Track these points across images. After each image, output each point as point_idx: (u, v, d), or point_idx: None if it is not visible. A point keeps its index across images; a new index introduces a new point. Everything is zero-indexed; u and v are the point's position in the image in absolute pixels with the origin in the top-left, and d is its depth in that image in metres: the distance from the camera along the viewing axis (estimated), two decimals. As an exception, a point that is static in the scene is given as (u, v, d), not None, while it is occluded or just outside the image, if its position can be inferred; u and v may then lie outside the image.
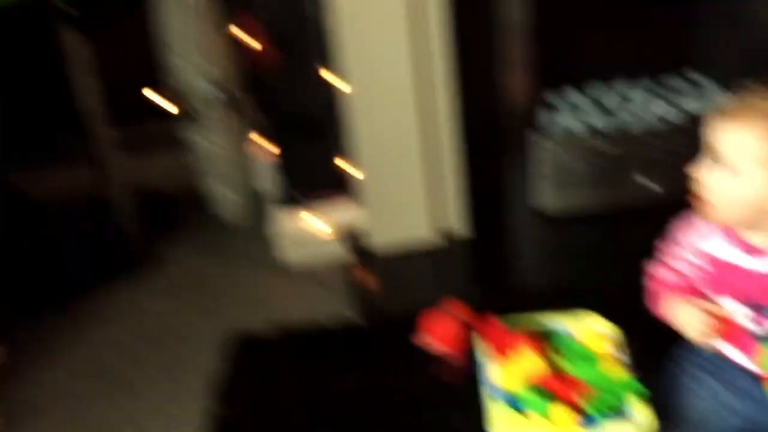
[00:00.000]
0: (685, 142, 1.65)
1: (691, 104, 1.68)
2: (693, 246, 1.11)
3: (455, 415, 1.25)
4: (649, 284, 1.22)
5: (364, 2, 1.50)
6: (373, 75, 1.56)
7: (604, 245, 1.68)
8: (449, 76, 1.59)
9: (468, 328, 1.39)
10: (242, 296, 1.71)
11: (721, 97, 1.67)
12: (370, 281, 1.65)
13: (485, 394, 1.08)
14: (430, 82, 1.59)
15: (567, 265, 1.62)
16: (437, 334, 1.39)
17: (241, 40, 1.70)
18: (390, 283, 1.62)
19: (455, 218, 1.72)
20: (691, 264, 1.13)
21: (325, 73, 1.65)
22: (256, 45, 1.65)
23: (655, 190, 1.67)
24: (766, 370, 0.98)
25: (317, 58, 1.64)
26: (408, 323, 1.46)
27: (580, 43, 1.73)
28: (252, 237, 1.90)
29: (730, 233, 1.05)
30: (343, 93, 1.63)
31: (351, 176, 1.77)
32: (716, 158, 1.00)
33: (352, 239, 1.75)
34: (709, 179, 1.01)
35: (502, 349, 1.12)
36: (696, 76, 1.72)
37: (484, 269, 1.65)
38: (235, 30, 1.70)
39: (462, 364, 1.33)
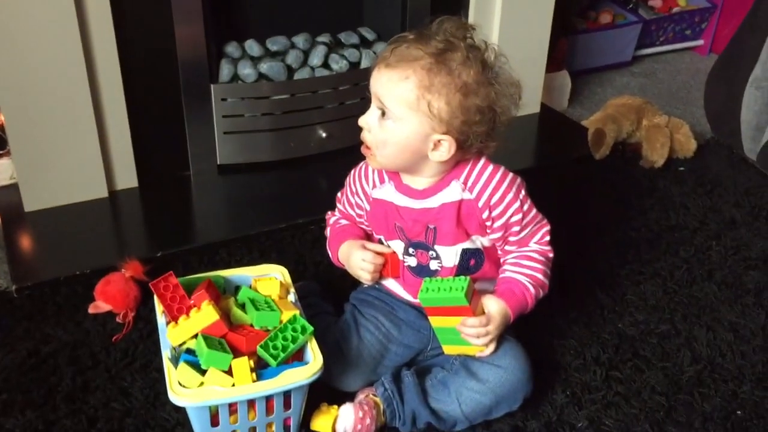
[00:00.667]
0: (354, 93, 1.76)
1: (362, 59, 1.76)
2: (364, 192, 1.18)
3: (130, 379, 1.19)
4: (326, 230, 1.27)
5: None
6: (21, 13, 1.37)
7: (282, 193, 1.70)
8: (109, 21, 1.46)
9: (146, 288, 1.33)
10: None
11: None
12: (26, 243, 1.48)
13: (165, 356, 1.03)
14: (91, 27, 1.45)
15: (247, 215, 1.61)
16: (111, 297, 1.31)
17: None
18: (51, 246, 1.47)
19: (128, 175, 1.61)
20: (363, 209, 1.19)
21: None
22: None
23: (323, 136, 1.73)
24: (422, 301, 1.06)
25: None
26: (73, 286, 1.36)
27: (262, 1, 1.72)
28: None
29: (396, 180, 1.13)
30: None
31: (2, 128, 1.56)
32: (377, 105, 1.06)
33: (4, 197, 1.55)
34: (372, 125, 1.06)
35: (180, 309, 1.08)
36: (368, 33, 1.80)
37: (161, 226, 1.57)
38: None
39: (130, 325, 1.28)
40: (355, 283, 1.24)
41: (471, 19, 1.85)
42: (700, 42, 2.72)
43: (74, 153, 1.51)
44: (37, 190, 1.52)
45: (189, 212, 1.64)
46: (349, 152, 1.77)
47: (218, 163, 1.70)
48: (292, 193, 1.69)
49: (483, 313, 1.07)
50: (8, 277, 1.40)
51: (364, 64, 1.76)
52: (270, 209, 1.62)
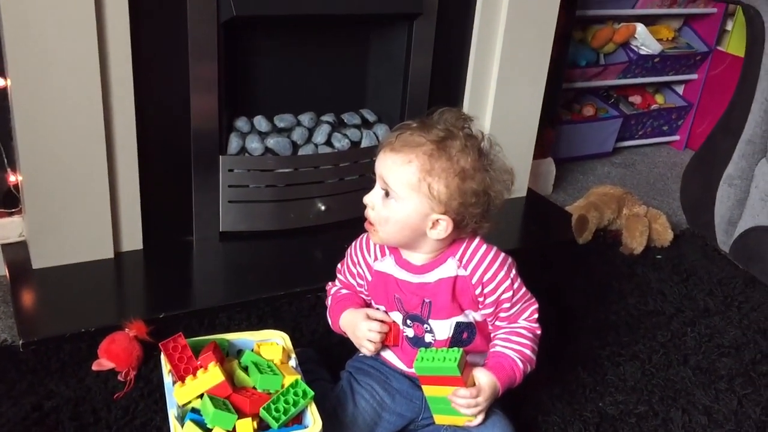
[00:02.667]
0: (354, 170, 1.85)
1: (363, 138, 1.87)
2: (366, 263, 1.25)
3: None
4: (327, 300, 1.34)
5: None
6: (45, 77, 1.45)
7: (281, 261, 1.77)
8: (130, 90, 1.55)
9: (147, 348, 1.38)
10: None
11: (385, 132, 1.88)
12: (32, 299, 1.53)
13: (171, 415, 1.07)
14: (112, 94, 1.53)
15: (246, 282, 1.67)
16: (115, 355, 1.36)
17: None
18: (57, 303, 1.52)
19: (134, 238, 1.67)
20: (364, 279, 1.27)
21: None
22: None
23: (322, 209, 1.82)
24: (417, 370, 1.13)
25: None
26: (77, 342, 1.40)
27: (272, 79, 1.84)
28: None
29: (396, 254, 1.21)
30: (7, 96, 1.49)
31: (15, 187, 1.62)
32: (381, 185, 1.14)
33: (16, 257, 1.60)
34: (376, 204, 1.15)
35: (187, 369, 1.13)
36: (369, 115, 1.91)
37: (163, 288, 1.62)
38: None
39: (131, 384, 1.32)
40: (351, 351, 1.30)
41: (465, 109, 1.98)
42: (677, 137, 2.88)
43: (85, 214, 1.58)
44: (46, 248, 1.57)
45: (191, 276, 1.70)
46: (346, 225, 1.88)
47: (221, 230, 1.77)
48: (290, 262, 1.76)
49: (474, 384, 1.13)
50: (13, 332, 1.44)
51: (364, 144, 1.86)
52: (269, 276, 1.69)
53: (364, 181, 1.87)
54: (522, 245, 1.97)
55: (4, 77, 1.47)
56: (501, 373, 1.14)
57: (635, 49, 2.59)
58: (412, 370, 1.23)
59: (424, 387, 1.12)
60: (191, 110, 1.63)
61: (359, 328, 1.22)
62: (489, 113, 2.00)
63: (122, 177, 1.60)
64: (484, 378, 1.13)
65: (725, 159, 1.96)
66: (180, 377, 1.13)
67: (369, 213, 1.16)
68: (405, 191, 1.11)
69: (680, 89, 2.85)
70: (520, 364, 1.16)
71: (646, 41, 2.59)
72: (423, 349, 1.12)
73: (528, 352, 1.18)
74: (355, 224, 1.87)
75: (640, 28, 2.57)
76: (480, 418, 1.14)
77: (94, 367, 1.36)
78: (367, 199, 1.16)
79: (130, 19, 1.49)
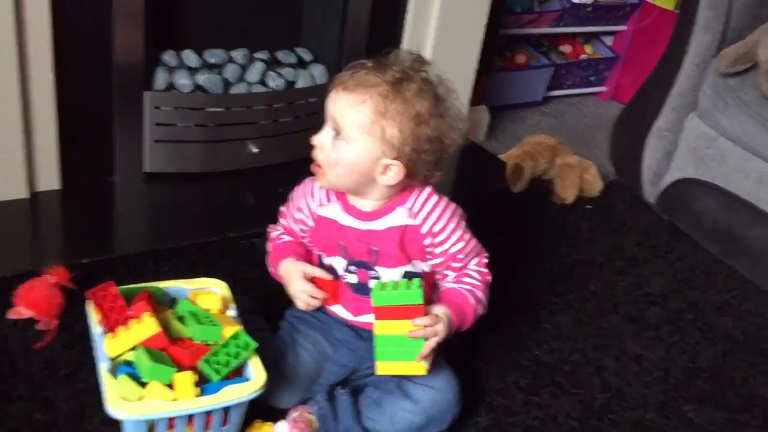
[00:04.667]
0: (289, 111, 1.78)
1: (298, 78, 1.79)
2: (309, 209, 1.20)
3: (54, 390, 1.15)
4: (267, 245, 1.28)
5: None
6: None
7: (211, 205, 1.69)
8: (46, 17, 1.41)
9: (70, 296, 1.29)
10: None
11: (332, 71, 1.81)
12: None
13: (102, 368, 1.01)
14: (26, 21, 1.40)
15: (175, 226, 1.59)
16: (34, 303, 1.27)
17: None
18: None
19: (51, 177, 1.56)
20: (306, 225, 1.21)
21: None
22: None
23: (255, 151, 1.74)
24: (375, 299, 1.07)
25: None
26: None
27: (202, 10, 1.72)
28: None
29: (343, 200, 1.16)
30: None
31: None
32: (332, 125, 1.09)
33: None
34: (325, 145, 1.09)
35: (118, 319, 1.06)
36: (306, 54, 1.83)
37: (84, 232, 1.52)
38: None
39: (53, 333, 1.24)
40: (291, 300, 1.25)
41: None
42: (603, 88, 2.92)
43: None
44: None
45: (114, 219, 1.60)
46: (280, 169, 1.81)
47: (146, 170, 1.67)
48: (221, 206, 1.69)
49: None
50: None
51: (300, 84, 1.78)
52: (199, 221, 1.61)
53: (299, 123, 1.81)
54: (456, 193, 1.94)
55: None
56: (453, 307, 1.12)
57: (569, -3, 2.58)
58: (356, 319, 1.21)
59: (377, 323, 1.07)
60: (114, 41, 1.51)
61: (293, 285, 1.17)
62: (428, 55, 1.93)
63: (38, 111, 1.47)
64: (439, 309, 1.11)
65: (655, 111, 1.99)
66: (110, 328, 1.06)
67: (317, 154, 1.10)
68: (357, 133, 1.06)
69: (609, 40, 2.87)
70: (473, 301, 1.15)
71: (579, -10, 2.58)
72: (380, 281, 1.06)
73: (479, 293, 1.16)
74: (290, 168, 1.80)
75: (575, -24, 2.56)
76: (427, 365, 1.12)
77: (11, 316, 1.26)
78: (316, 139, 1.10)
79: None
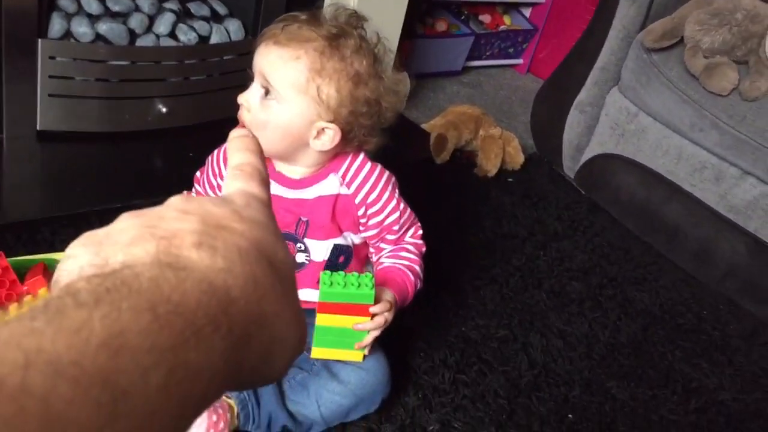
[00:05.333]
0: (201, 68, 1.64)
1: (212, 33, 1.65)
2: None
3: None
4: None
5: None
6: None
7: (114, 168, 1.55)
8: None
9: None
10: None
11: (248, 28, 1.68)
12: None
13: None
14: None
15: (73, 191, 1.43)
16: None
17: None
18: None
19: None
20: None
21: None
22: None
23: (163, 110, 1.60)
24: (324, 296, 0.97)
25: None
26: None
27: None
28: None
29: (270, 167, 1.05)
30: None
31: None
32: (261, 83, 0.98)
33: None
34: (252, 105, 0.98)
35: (10, 295, 0.93)
36: (220, 7, 1.69)
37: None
38: None
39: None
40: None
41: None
42: (520, 61, 2.90)
43: None
44: None
45: (3, 182, 1.43)
46: (190, 131, 1.68)
47: (38, 128, 1.50)
48: (125, 169, 1.54)
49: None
50: None
51: (213, 39, 1.65)
52: (100, 186, 1.46)
53: (212, 82, 1.68)
54: (377, 162, 1.88)
55: None
56: (395, 287, 1.05)
57: (491, -35, 2.54)
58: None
59: (319, 316, 0.99)
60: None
61: None
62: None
63: None
64: (388, 295, 1.03)
65: (578, 85, 1.97)
66: (1, 305, 0.93)
67: (244, 115, 0.99)
68: (289, 92, 0.96)
69: (527, 12, 2.85)
70: (413, 278, 1.08)
71: (502, -41, 2.54)
72: (328, 272, 0.97)
73: (417, 267, 1.10)
74: (202, 130, 1.69)
75: (497, -57, 2.51)
76: (366, 352, 1.04)
77: None
78: (242, 98, 0.99)
79: None
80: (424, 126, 2.01)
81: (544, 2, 2.78)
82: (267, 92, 0.97)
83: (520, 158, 2.01)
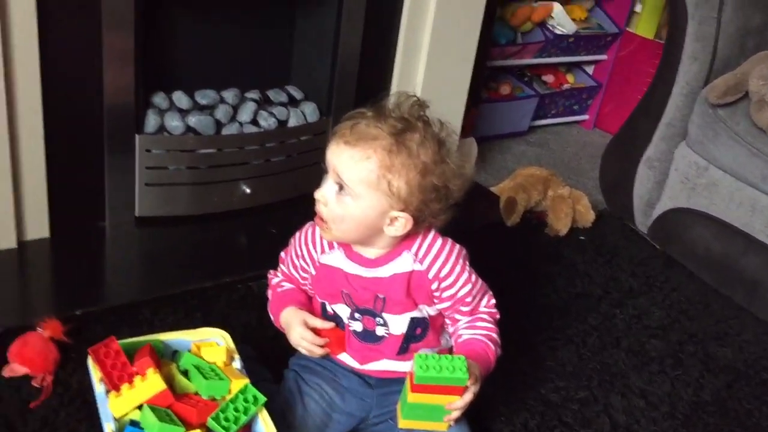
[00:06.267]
0: (281, 150, 1.76)
1: (290, 117, 1.77)
2: (311, 257, 1.17)
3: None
4: (268, 291, 1.25)
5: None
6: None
7: (204, 249, 1.66)
8: (35, 59, 1.38)
9: (64, 349, 1.25)
10: None
11: (322, 109, 1.79)
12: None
13: (108, 429, 0.97)
14: (15, 62, 1.36)
15: (169, 272, 1.55)
16: (29, 359, 1.22)
17: None
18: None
19: (40, 225, 1.51)
20: (308, 272, 1.19)
21: None
22: None
23: (247, 191, 1.72)
24: (420, 380, 1.01)
25: None
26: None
27: (192, 52, 1.70)
28: None
29: (346, 247, 1.13)
30: None
31: None
32: (335, 179, 1.06)
33: None
34: (329, 200, 1.06)
35: (121, 376, 1.02)
36: (296, 92, 1.81)
37: (76, 281, 1.47)
38: None
39: (49, 390, 1.20)
40: (292, 347, 1.22)
41: (394, 89, 1.91)
42: (586, 117, 2.94)
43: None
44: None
45: (106, 267, 1.56)
46: (272, 209, 1.79)
47: (136, 215, 1.63)
48: (214, 249, 1.65)
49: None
50: None
51: (291, 123, 1.76)
52: (193, 266, 1.58)
53: (291, 162, 1.79)
54: (449, 227, 1.93)
55: None
56: (479, 360, 1.09)
57: (551, 28, 2.61)
58: (363, 368, 1.18)
59: (412, 394, 1.04)
60: (104, 84, 1.48)
61: (292, 334, 1.15)
62: (418, 91, 1.94)
63: (26, 157, 1.44)
64: (472, 370, 1.05)
65: (645, 141, 2.00)
66: (114, 386, 1.02)
67: (321, 209, 1.08)
68: (362, 188, 1.04)
69: (590, 69, 2.90)
70: (493, 347, 1.13)
71: (561, 21, 2.61)
72: (422, 355, 1.01)
73: (495, 336, 1.14)
74: (282, 208, 1.80)
75: (557, 8, 2.58)
76: (452, 424, 1.08)
77: (5, 374, 1.21)
78: (319, 194, 1.07)
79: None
80: (493, 189, 2.07)
81: (607, 59, 2.83)
82: (341, 188, 1.05)
83: (591, 216, 2.03)
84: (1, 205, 1.43)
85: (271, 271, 1.27)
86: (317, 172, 1.88)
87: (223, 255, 1.64)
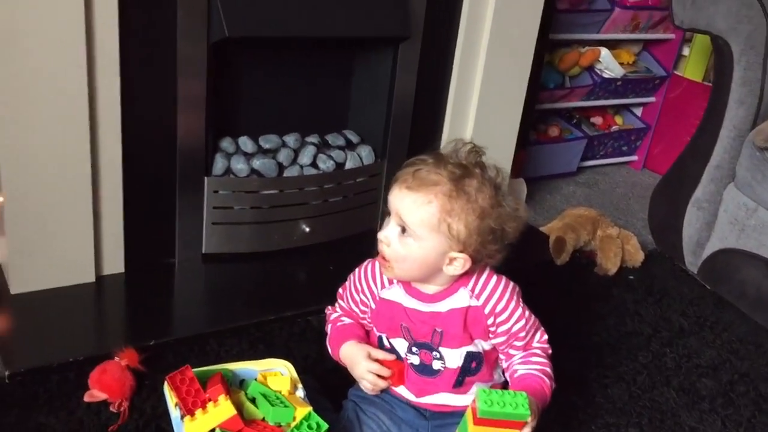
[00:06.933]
0: (338, 191, 1.84)
1: (347, 160, 1.87)
2: (371, 291, 1.24)
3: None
4: (327, 326, 1.32)
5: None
6: (30, 94, 1.39)
7: (266, 284, 1.75)
8: (117, 108, 1.50)
9: (138, 376, 1.34)
10: None
11: (378, 152, 1.88)
12: (13, 327, 1.46)
13: (183, 451, 1.04)
14: (99, 111, 1.48)
15: (233, 306, 1.64)
16: (108, 386, 1.31)
17: None
18: (40, 331, 1.45)
19: (116, 261, 1.62)
20: (368, 307, 1.26)
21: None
22: None
23: (306, 230, 1.80)
24: (483, 414, 1.05)
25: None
26: (65, 372, 1.35)
27: (255, 98, 1.81)
28: None
29: (405, 283, 1.20)
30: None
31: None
32: (397, 222, 1.14)
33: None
34: (392, 241, 1.14)
35: (195, 402, 1.10)
36: (353, 136, 1.91)
37: (150, 315, 1.57)
38: None
39: (125, 415, 1.28)
40: (349, 378, 1.28)
41: (446, 132, 1.99)
42: (635, 158, 2.97)
43: (67, 237, 1.52)
44: (26, 272, 1.51)
45: (175, 300, 1.66)
46: (330, 246, 1.87)
47: (203, 252, 1.73)
48: (275, 284, 1.74)
49: None
50: (-6, 361, 1.38)
51: (348, 165, 1.85)
52: (255, 300, 1.66)
53: (347, 202, 1.87)
54: (501, 266, 1.99)
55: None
56: (537, 395, 1.14)
57: (599, 72, 2.67)
58: (419, 401, 1.23)
59: (473, 427, 1.07)
60: (178, 130, 1.59)
61: (358, 367, 1.21)
62: (469, 134, 2.02)
63: (106, 198, 1.55)
64: (532, 404, 1.10)
65: (694, 183, 2.03)
66: (188, 411, 1.10)
67: (384, 249, 1.15)
68: (424, 231, 1.11)
69: (639, 111, 2.95)
70: (548, 382, 1.18)
71: (609, 65, 2.67)
72: (483, 390, 1.06)
73: (549, 370, 1.19)
74: (338, 246, 1.89)
75: (604, 52, 2.65)
76: None
77: (86, 399, 1.31)
78: (382, 235, 1.15)
79: (119, 35, 1.44)
80: (542, 229, 2.12)
81: (655, 101, 2.87)
82: (403, 230, 1.12)
83: (640, 256, 2.06)
84: (82, 243, 1.54)
85: (329, 307, 1.35)
86: (372, 211, 1.97)
87: (283, 290, 1.72)
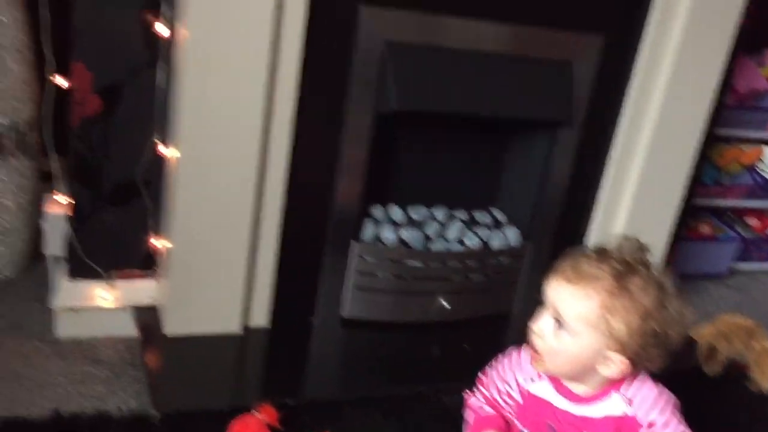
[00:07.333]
0: (481, 270, 1.82)
1: (493, 239, 1.85)
2: (516, 384, 1.20)
3: None
4: (467, 413, 1.29)
5: (214, 71, 1.43)
6: (208, 148, 1.48)
7: (400, 355, 1.74)
8: (284, 170, 1.56)
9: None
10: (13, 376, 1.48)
11: (524, 234, 1.85)
12: (163, 368, 1.52)
13: None
14: (268, 172, 1.55)
15: (368, 375, 1.64)
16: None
17: (60, 85, 1.54)
18: (188, 375, 1.51)
19: (261, 314, 1.67)
20: (512, 399, 1.21)
21: (156, 140, 1.54)
22: (78, 93, 1.50)
23: (446, 306, 1.79)
24: None
25: (149, 120, 1.53)
26: (208, 420, 1.38)
27: (407, 169, 1.85)
28: (30, 307, 1.68)
29: (555, 380, 1.16)
30: (170, 163, 1.52)
31: (157, 255, 1.64)
32: (552, 314, 1.10)
33: (147, 321, 1.60)
34: (546, 334, 1.10)
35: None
36: (500, 215, 1.90)
37: (288, 373, 1.60)
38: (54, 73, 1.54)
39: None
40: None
41: (597, 217, 1.94)
42: (794, 265, 2.77)
43: (222, 286, 1.58)
44: (180, 315, 1.58)
45: (312, 361, 1.67)
46: (466, 325, 1.84)
47: (343, 315, 1.75)
48: (410, 357, 1.73)
49: None
50: (141, 399, 1.43)
51: (493, 244, 1.83)
52: (389, 371, 1.66)
53: (489, 281, 1.85)
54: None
55: (168, 146, 1.52)
56: None
57: (760, 172, 2.53)
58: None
59: None
60: (336, 195, 1.64)
61: None
62: (620, 226, 1.95)
63: (262, 253, 1.61)
64: None
65: None
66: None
67: (536, 341, 1.12)
68: (580, 326, 1.07)
69: (800, 217, 2.76)
70: None
71: (772, 166, 2.53)
72: None
73: None
74: (476, 325, 1.85)
75: (767, 152, 2.52)
76: None
77: (227, 450, 1.33)
78: (537, 327, 1.12)
79: (295, 104, 1.51)
80: (692, 334, 2.00)
81: (819, 207, 2.68)
82: (559, 323, 1.09)
83: (800, 375, 1.90)
84: (234, 294, 1.60)
85: (468, 392, 1.31)
86: (512, 293, 1.93)
87: (417, 364, 1.71)
